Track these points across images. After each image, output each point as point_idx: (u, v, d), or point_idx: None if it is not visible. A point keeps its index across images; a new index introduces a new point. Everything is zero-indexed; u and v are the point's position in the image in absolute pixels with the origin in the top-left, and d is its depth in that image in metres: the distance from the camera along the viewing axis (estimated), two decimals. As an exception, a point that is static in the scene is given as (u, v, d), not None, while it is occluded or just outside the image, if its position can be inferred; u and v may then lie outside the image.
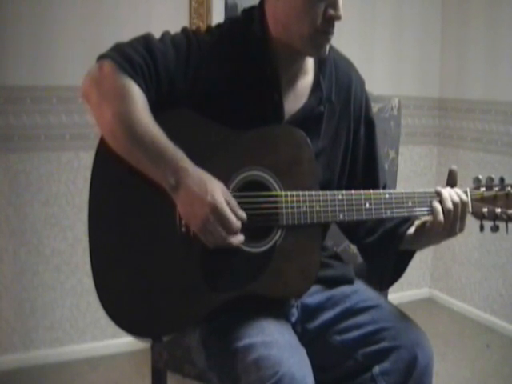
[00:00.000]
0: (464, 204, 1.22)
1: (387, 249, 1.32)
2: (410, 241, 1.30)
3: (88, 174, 1.22)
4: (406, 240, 1.31)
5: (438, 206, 1.22)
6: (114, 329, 1.18)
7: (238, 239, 1.15)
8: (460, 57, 3.14)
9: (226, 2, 2.65)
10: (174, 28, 1.30)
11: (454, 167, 1.28)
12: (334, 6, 1.16)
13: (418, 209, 1.24)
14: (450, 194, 1.23)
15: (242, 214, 1.15)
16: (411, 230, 1.30)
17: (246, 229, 1.16)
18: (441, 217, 1.21)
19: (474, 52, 3.04)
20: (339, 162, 1.35)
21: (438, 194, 1.24)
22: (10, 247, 2.40)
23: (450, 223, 1.22)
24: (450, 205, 1.21)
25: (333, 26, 1.19)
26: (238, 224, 1.14)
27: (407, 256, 1.33)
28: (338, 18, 1.17)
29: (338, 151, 1.35)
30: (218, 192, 1.13)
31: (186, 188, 1.12)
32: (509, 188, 1.26)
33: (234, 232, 1.14)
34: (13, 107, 2.34)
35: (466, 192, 1.26)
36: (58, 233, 2.47)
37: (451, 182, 1.27)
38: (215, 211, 1.11)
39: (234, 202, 1.15)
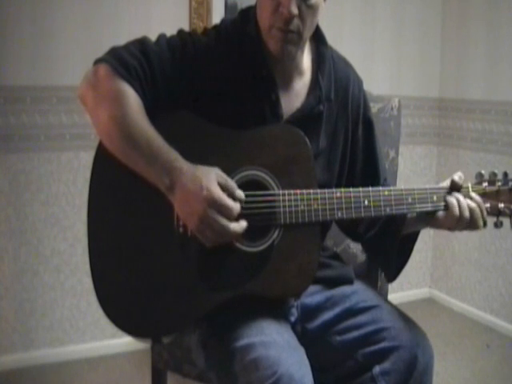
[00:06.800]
0: (480, 206, 1.22)
1: (389, 234, 1.31)
2: (413, 223, 1.29)
3: (88, 174, 1.22)
4: (409, 223, 1.29)
5: (455, 210, 1.21)
6: (114, 329, 1.18)
7: (241, 225, 1.14)
8: (460, 57, 3.14)
9: (226, 2, 2.65)
10: (174, 28, 1.30)
11: (457, 178, 1.25)
12: (285, 3, 1.16)
13: (418, 205, 1.23)
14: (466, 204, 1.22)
15: (240, 194, 1.15)
16: (413, 214, 1.28)
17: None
18: (457, 217, 1.21)
19: (473, 52, 3.04)
20: (338, 162, 1.35)
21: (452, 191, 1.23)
22: (9, 247, 2.39)
23: (474, 221, 1.22)
24: (467, 214, 1.21)
25: (286, 23, 1.18)
26: (237, 207, 1.13)
27: (410, 239, 1.32)
28: (289, 15, 1.16)
29: (337, 151, 1.35)
30: (214, 184, 1.12)
31: (181, 187, 1.12)
32: None
33: (234, 217, 1.13)
34: (13, 107, 2.33)
35: (467, 188, 1.25)
36: (58, 233, 2.47)
37: (456, 188, 1.25)
38: (212, 203, 1.10)
39: (230, 183, 1.14)
